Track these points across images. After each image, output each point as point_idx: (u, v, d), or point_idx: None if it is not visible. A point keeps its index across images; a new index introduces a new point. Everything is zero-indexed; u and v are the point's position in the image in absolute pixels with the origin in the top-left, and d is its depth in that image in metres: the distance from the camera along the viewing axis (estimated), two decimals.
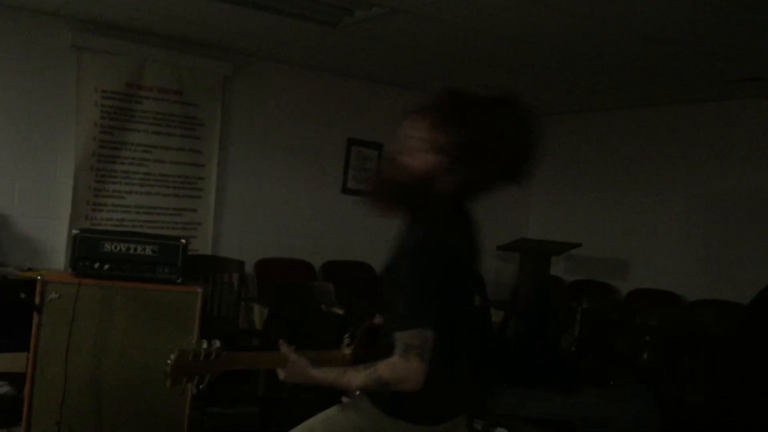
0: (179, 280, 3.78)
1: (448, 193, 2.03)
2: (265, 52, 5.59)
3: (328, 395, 2.13)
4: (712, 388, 4.64)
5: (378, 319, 2.27)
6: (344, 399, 2.14)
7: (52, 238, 5.04)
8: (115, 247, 3.72)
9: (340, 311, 5.32)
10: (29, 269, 4.55)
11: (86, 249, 3.69)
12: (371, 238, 6.39)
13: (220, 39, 5.32)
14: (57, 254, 5.03)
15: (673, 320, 5.26)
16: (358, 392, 2.05)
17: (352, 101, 6.28)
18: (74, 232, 3.79)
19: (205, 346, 2.00)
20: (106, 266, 3.68)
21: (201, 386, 1.99)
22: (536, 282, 5.73)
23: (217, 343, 1.99)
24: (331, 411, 2.11)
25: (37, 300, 3.50)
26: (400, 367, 1.81)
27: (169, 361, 1.99)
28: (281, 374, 2.02)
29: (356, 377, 1.90)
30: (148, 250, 3.78)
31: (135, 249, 3.75)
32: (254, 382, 4.69)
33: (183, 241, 3.88)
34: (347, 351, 2.20)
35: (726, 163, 5.73)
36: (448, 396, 2.05)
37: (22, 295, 3.08)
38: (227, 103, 5.67)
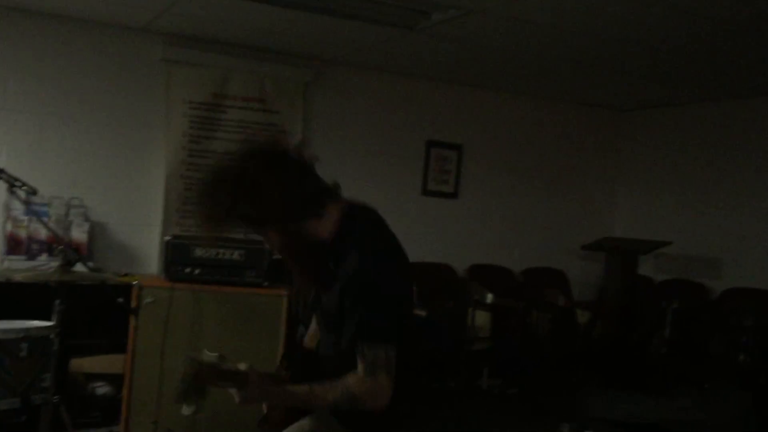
0: (265, 284, 3.88)
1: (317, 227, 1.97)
2: (343, 57, 5.66)
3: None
4: None
5: (310, 342, 2.31)
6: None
7: (146, 244, 5.25)
8: (205, 252, 3.85)
9: (422, 313, 5.33)
10: (125, 275, 4.75)
11: (178, 254, 3.85)
12: (452, 239, 6.38)
13: (299, 47, 5.43)
14: (151, 260, 5.24)
15: None
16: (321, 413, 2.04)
17: (431, 103, 6.29)
18: (166, 238, 3.96)
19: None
20: (197, 271, 3.82)
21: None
22: (623, 282, 5.59)
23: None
24: (304, 426, 2.08)
25: (133, 304, 3.67)
26: (370, 384, 1.85)
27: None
28: (237, 398, 1.94)
29: (327, 393, 1.88)
30: (236, 255, 3.90)
31: (223, 254, 3.89)
32: None
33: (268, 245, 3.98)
34: (285, 374, 2.18)
35: None
36: (405, 409, 2.08)
37: (120, 300, 3.23)
38: (308, 109, 5.77)
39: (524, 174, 6.70)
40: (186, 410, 1.94)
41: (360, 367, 1.86)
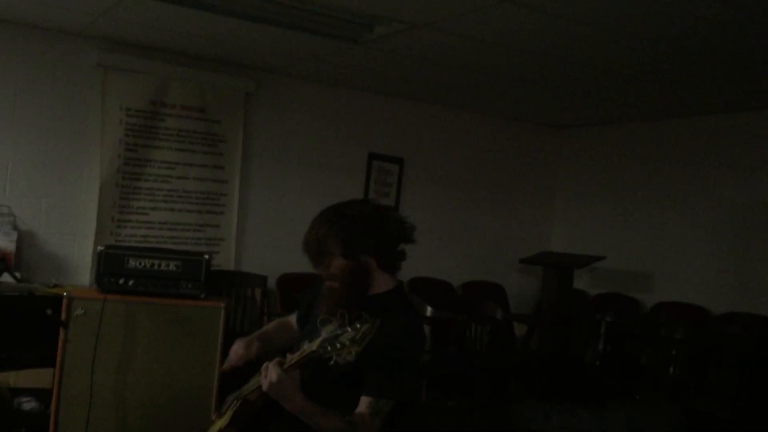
0: (202, 296, 3.81)
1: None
2: (286, 68, 5.63)
3: None
4: (739, 402, 4.57)
5: (275, 333, 2.63)
6: None
7: (78, 254, 5.10)
8: (140, 263, 3.76)
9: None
10: (55, 285, 4.61)
11: (111, 265, 3.74)
12: None
13: (241, 56, 5.37)
14: (82, 270, 5.09)
15: (700, 333, 5.19)
16: None
17: (373, 116, 6.31)
18: (99, 248, 3.84)
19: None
20: (131, 282, 3.72)
21: None
22: (560, 295, 5.69)
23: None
24: None
25: (63, 316, 3.55)
26: (370, 425, 2.11)
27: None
28: (265, 384, 2.01)
29: (334, 420, 2.07)
30: (172, 266, 3.81)
31: (159, 265, 3.79)
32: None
33: (206, 256, 3.91)
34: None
35: (750, 174, 5.67)
36: None
37: (49, 311, 3.12)
38: (249, 119, 5.71)
39: (464, 188, 6.78)
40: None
41: (366, 408, 2.11)
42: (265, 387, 2.01)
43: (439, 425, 5.25)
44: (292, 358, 2.04)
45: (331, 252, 2.24)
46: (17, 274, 3.73)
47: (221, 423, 2.25)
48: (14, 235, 4.71)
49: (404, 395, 2.17)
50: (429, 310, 5.53)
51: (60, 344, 3.58)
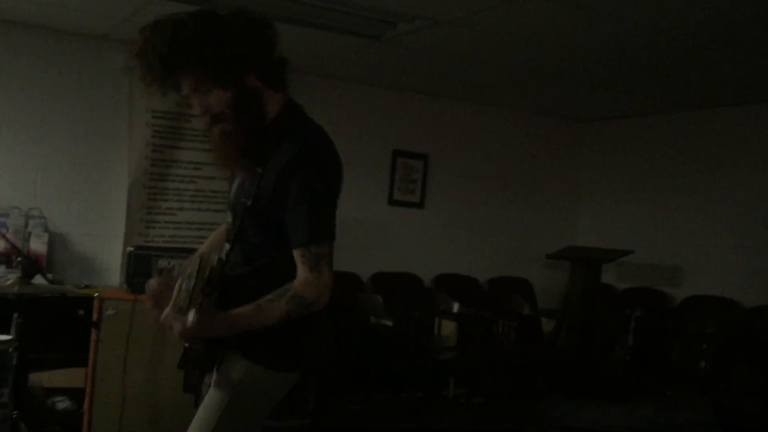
0: None
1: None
2: (309, 67, 5.65)
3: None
4: None
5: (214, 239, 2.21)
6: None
7: (108, 255, 5.16)
8: (169, 263, 3.80)
9: (389, 323, 5.33)
10: (86, 286, 4.67)
11: (141, 265, 3.80)
12: (419, 249, 6.40)
13: None
14: (112, 271, 5.15)
15: (730, 327, 5.13)
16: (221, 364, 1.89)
17: (397, 113, 6.30)
18: (129, 249, 3.90)
19: None
20: None
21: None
22: (587, 290, 5.65)
23: None
24: (208, 397, 1.93)
25: (94, 316, 3.61)
26: (315, 281, 1.79)
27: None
28: (177, 337, 1.75)
29: (276, 305, 1.77)
30: None
31: None
32: (305, 394, 4.73)
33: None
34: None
35: None
36: (306, 339, 1.94)
37: (81, 312, 3.17)
38: None
39: (489, 183, 6.76)
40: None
41: (302, 268, 1.79)
42: (178, 339, 1.73)
43: (465, 422, 5.25)
44: (186, 290, 1.69)
45: (201, 83, 1.77)
46: (49, 276, 3.80)
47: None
48: (45, 237, 4.79)
49: (332, 231, 1.82)
50: (456, 306, 5.53)
51: (92, 344, 3.64)
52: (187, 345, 1.85)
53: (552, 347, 5.75)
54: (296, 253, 1.81)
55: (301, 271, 1.80)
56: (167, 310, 1.74)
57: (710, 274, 5.95)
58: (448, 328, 5.64)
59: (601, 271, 5.83)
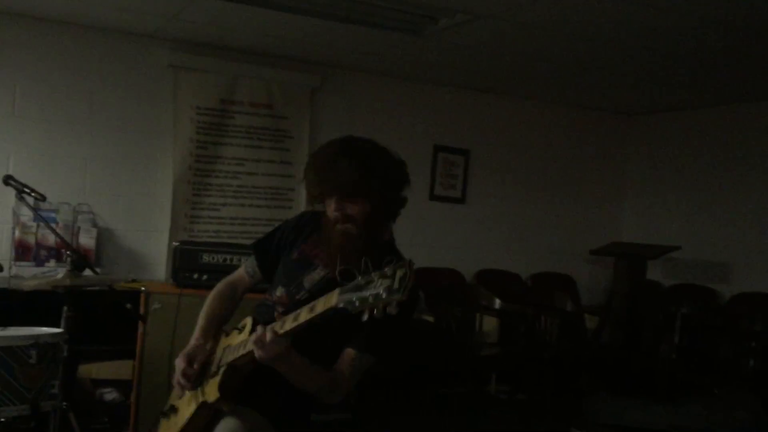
0: None
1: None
2: (351, 63, 5.67)
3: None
4: None
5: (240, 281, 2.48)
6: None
7: (154, 250, 5.25)
8: (213, 258, 3.85)
9: (430, 319, 5.32)
10: (133, 281, 4.75)
11: (186, 260, 3.84)
12: (460, 244, 6.37)
13: (307, 52, 5.43)
14: (158, 265, 5.24)
15: None
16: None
17: (438, 108, 6.28)
18: (174, 244, 3.96)
19: None
20: (205, 277, 3.82)
21: None
22: (632, 287, 5.56)
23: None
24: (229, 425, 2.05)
25: (141, 310, 3.67)
26: (349, 382, 2.03)
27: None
28: (261, 352, 1.89)
29: (321, 377, 2.00)
30: (244, 261, 3.89)
31: (231, 260, 3.88)
32: None
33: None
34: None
35: None
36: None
37: (128, 305, 3.23)
38: (315, 115, 5.77)
39: (531, 179, 6.69)
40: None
41: (347, 365, 2.01)
42: (260, 355, 1.88)
43: (508, 419, 5.21)
44: (289, 318, 1.90)
45: (364, 196, 2.07)
46: (98, 270, 3.87)
47: (210, 392, 2.08)
48: (94, 232, 4.89)
49: (388, 353, 2.03)
50: (497, 302, 5.50)
51: (139, 337, 3.71)
52: (227, 367, 2.05)
53: (596, 344, 5.67)
54: (349, 352, 2.04)
55: (345, 366, 2.02)
56: (268, 328, 1.93)
57: (760, 270, 5.81)
58: (490, 324, 5.60)
59: (647, 268, 5.73)
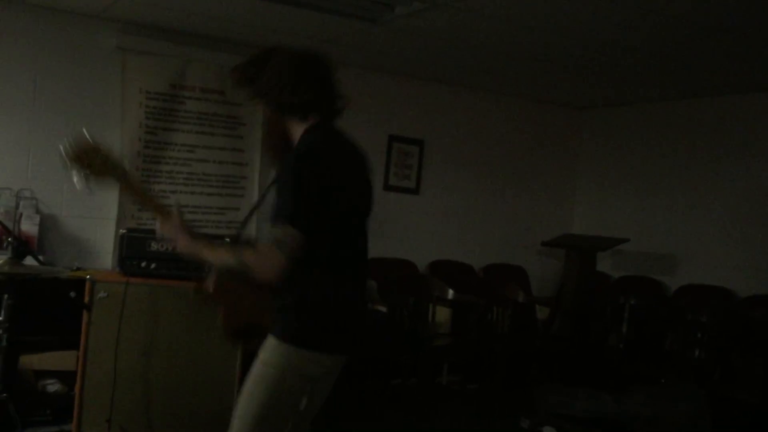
0: None
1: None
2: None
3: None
4: (766, 387, 4.51)
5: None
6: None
7: (100, 237, 5.12)
8: (161, 246, 3.76)
9: (383, 308, 5.30)
10: (78, 269, 4.63)
11: (133, 248, 3.74)
12: (414, 235, 6.37)
13: (260, 38, 5.33)
14: (104, 254, 5.11)
15: (725, 317, 5.12)
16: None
17: (393, 98, 6.26)
18: (121, 231, 3.85)
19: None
20: (153, 265, 3.72)
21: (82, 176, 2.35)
22: (582, 278, 5.64)
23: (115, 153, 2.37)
24: (254, 369, 2.17)
25: (86, 299, 3.56)
26: (263, 256, 2.04)
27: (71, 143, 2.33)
28: (158, 227, 2.32)
29: (224, 254, 2.17)
30: None
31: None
32: None
33: (227, 239, 3.89)
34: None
35: None
36: (339, 323, 2.20)
37: (72, 294, 3.13)
38: None
39: (485, 170, 6.73)
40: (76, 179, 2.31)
41: (267, 239, 2.08)
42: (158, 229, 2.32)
43: (459, 409, 5.24)
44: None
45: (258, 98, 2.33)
46: (40, 258, 3.75)
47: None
48: (37, 219, 4.74)
49: (288, 217, 2.05)
50: (450, 293, 5.51)
51: (84, 327, 3.60)
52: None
53: (546, 335, 5.74)
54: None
55: (262, 244, 2.10)
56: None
57: (705, 263, 5.95)
58: (443, 314, 5.62)
59: (596, 259, 5.82)
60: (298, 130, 2.27)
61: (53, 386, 4.38)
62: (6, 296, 2.97)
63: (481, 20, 4.38)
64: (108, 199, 5.11)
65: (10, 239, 3.07)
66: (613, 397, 4.55)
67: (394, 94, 6.25)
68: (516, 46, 4.94)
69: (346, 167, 2.29)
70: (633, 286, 6.17)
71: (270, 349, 2.12)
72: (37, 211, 4.81)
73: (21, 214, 4.69)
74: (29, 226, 4.70)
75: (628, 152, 6.75)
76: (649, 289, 6.16)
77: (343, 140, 2.33)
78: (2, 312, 2.96)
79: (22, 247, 3.06)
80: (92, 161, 2.38)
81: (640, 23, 4.19)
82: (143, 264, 3.72)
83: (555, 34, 4.57)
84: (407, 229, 6.35)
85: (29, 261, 3.50)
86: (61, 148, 2.38)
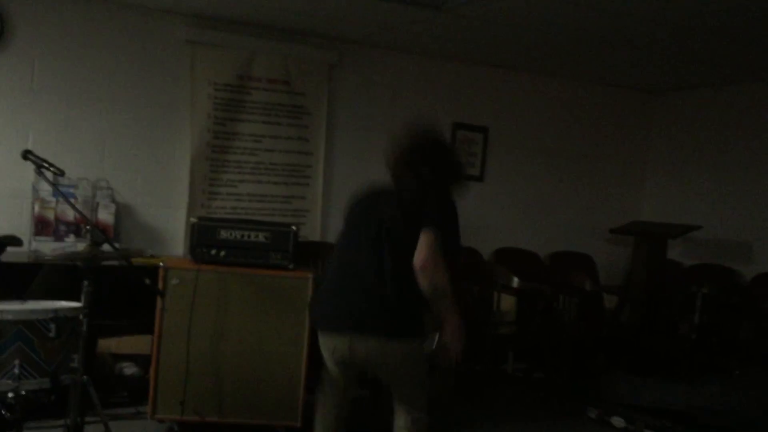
0: (291, 266, 3.87)
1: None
2: (369, 38, 5.61)
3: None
4: None
5: None
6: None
7: (172, 226, 5.27)
8: (231, 235, 3.85)
9: None
10: (151, 256, 4.78)
11: (204, 236, 3.84)
12: (478, 222, 6.33)
13: (324, 28, 5.38)
14: (176, 241, 5.26)
15: None
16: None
17: (457, 85, 6.22)
18: (192, 220, 3.95)
19: None
20: (223, 253, 3.82)
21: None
22: (652, 266, 5.51)
23: None
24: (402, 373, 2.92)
25: (160, 285, 3.68)
26: (426, 254, 2.78)
27: None
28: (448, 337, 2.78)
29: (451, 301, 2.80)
30: (261, 237, 3.89)
31: (249, 236, 3.87)
32: None
33: (294, 227, 3.96)
34: None
35: None
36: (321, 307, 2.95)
37: (147, 281, 3.23)
38: (333, 91, 5.73)
39: (551, 157, 6.63)
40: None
41: (420, 242, 2.81)
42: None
43: (525, 396, 5.21)
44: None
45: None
46: (116, 245, 3.88)
47: None
48: (113, 208, 4.91)
49: (444, 224, 2.96)
50: (515, 281, 5.47)
51: (157, 312, 3.72)
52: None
53: (614, 324, 5.63)
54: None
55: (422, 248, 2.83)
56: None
57: None
58: (508, 302, 5.58)
59: (667, 247, 5.67)
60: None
61: (130, 369, 4.54)
62: (86, 283, 3.09)
63: (545, 4, 4.31)
64: (179, 189, 5.25)
65: (88, 227, 3.19)
66: (683, 388, 4.45)
67: (457, 81, 6.21)
68: (583, 28, 4.84)
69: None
70: (705, 274, 5.99)
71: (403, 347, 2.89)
72: (113, 201, 4.97)
73: (98, 204, 4.87)
74: (105, 215, 4.86)
75: (698, 137, 6.54)
76: (723, 278, 5.97)
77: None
78: (82, 298, 3.09)
79: (99, 234, 3.17)
80: None
81: (713, 3, 4.05)
82: (213, 251, 3.81)
83: (624, 16, 4.45)
84: (472, 216, 6.30)
85: (106, 248, 3.64)
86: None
